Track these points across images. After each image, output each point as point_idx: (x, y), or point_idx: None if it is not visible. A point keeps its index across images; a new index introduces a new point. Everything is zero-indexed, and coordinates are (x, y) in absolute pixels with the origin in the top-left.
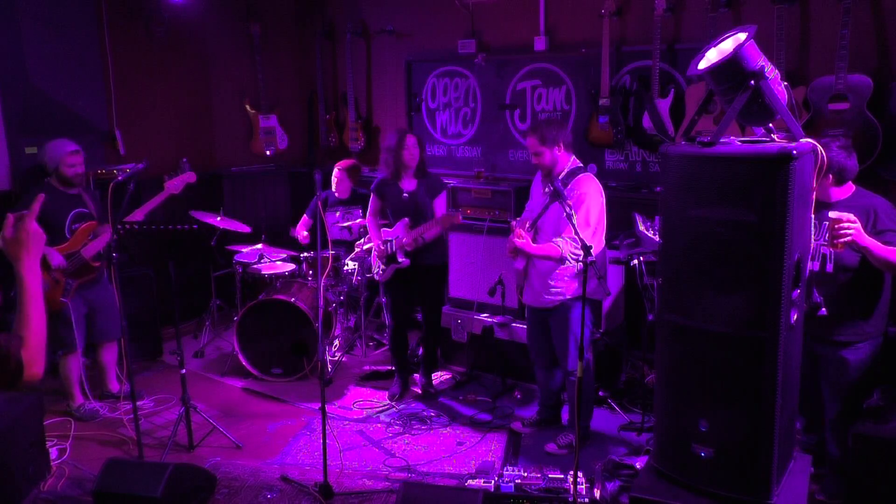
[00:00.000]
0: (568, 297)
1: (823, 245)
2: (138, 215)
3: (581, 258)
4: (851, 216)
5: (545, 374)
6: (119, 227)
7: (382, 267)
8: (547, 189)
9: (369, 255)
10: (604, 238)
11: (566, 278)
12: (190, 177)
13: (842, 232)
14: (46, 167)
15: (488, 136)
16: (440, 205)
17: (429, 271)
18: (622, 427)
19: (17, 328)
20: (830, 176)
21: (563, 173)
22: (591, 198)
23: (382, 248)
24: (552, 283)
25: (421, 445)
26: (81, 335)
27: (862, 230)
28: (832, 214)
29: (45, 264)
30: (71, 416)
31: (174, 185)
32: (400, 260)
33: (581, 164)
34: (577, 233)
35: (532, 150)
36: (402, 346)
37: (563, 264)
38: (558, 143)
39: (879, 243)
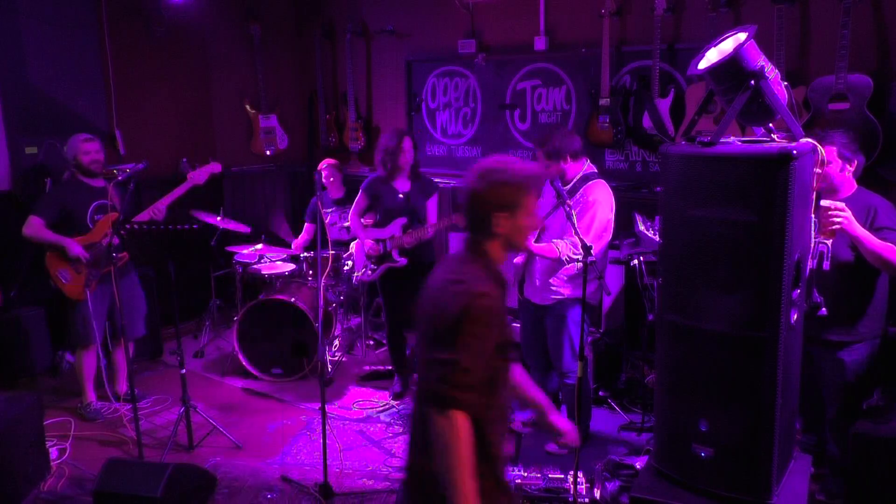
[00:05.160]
0: (566, 296)
1: (821, 243)
2: (161, 205)
3: (581, 258)
4: (841, 204)
5: (539, 375)
6: (120, 227)
7: (373, 266)
8: (555, 192)
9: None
10: (607, 243)
11: (565, 278)
12: (215, 167)
13: (832, 220)
14: (69, 162)
15: (488, 136)
16: (432, 206)
17: (421, 268)
18: (622, 427)
19: None
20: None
21: (575, 179)
22: (599, 205)
23: (376, 247)
24: (552, 281)
25: None
26: (101, 329)
27: (853, 220)
28: (823, 203)
29: (65, 254)
30: (74, 414)
31: (198, 175)
32: (396, 259)
33: (595, 170)
34: (576, 233)
35: (540, 161)
36: (401, 345)
37: (563, 265)
38: (564, 157)
39: (872, 235)
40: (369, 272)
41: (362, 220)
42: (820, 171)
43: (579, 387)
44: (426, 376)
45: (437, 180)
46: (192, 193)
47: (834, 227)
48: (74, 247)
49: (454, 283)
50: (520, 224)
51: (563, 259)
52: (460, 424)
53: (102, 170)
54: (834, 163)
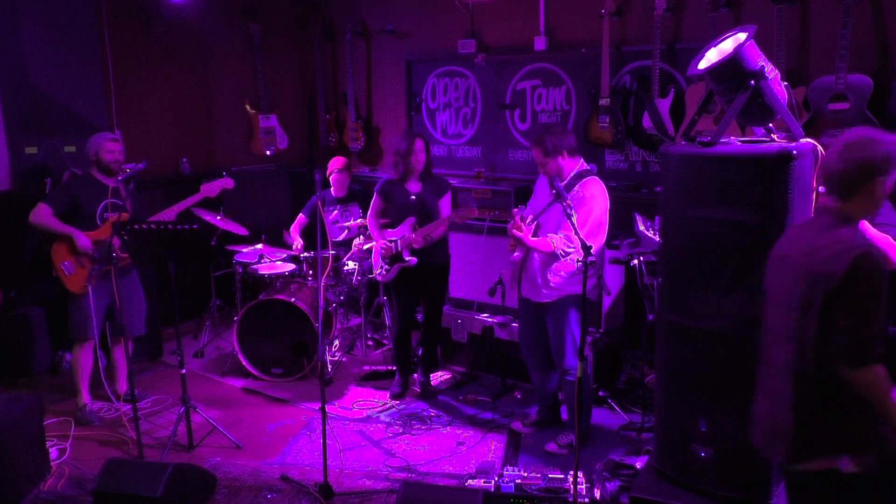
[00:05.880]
0: (566, 293)
1: None
2: (170, 214)
3: (580, 257)
4: None
5: (539, 374)
6: (120, 227)
7: (386, 267)
8: (552, 189)
9: (369, 255)
10: (604, 240)
11: (564, 274)
12: (228, 182)
13: None
14: (88, 157)
15: (488, 136)
16: (445, 205)
17: (433, 269)
18: (622, 427)
19: None
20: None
21: (570, 176)
22: (594, 200)
23: (388, 247)
24: (550, 277)
25: (421, 445)
26: (99, 326)
27: None
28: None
29: (72, 246)
30: (74, 415)
31: (210, 188)
32: (406, 259)
33: (588, 167)
34: (576, 232)
35: (537, 160)
36: (406, 346)
37: (557, 259)
38: (561, 152)
39: (867, 223)
40: (384, 272)
41: (380, 220)
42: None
43: (579, 386)
44: (812, 343)
45: None
46: (190, 191)
47: None
48: (82, 238)
49: (832, 246)
50: (886, 191)
51: (559, 253)
52: (881, 372)
53: (119, 170)
54: None
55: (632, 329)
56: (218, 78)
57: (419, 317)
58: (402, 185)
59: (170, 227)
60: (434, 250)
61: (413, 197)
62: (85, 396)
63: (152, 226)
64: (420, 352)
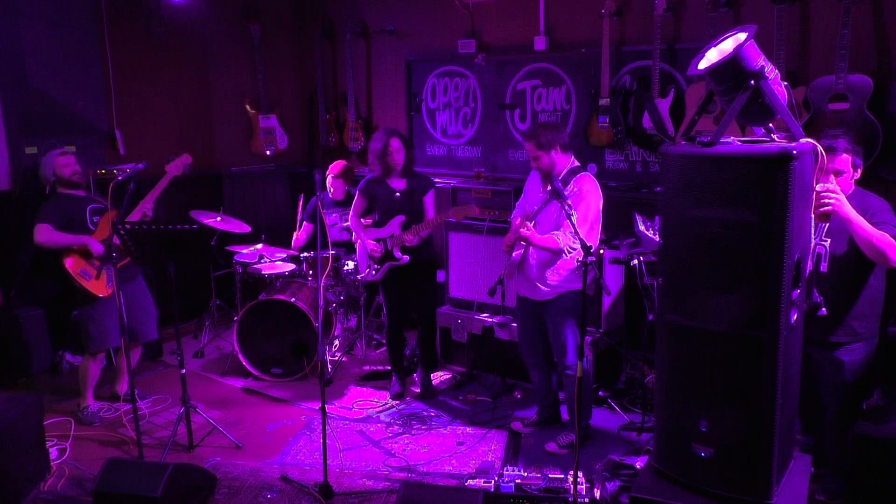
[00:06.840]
0: (563, 290)
1: (819, 244)
2: (148, 203)
3: (581, 256)
4: (835, 187)
5: (540, 374)
6: (120, 227)
7: (376, 267)
8: (547, 188)
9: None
10: (599, 236)
11: (564, 272)
12: (186, 158)
13: (824, 201)
14: (49, 181)
15: (488, 136)
16: (429, 202)
17: (422, 266)
18: (622, 427)
19: None
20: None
21: (563, 173)
22: (590, 196)
23: (377, 247)
24: (548, 275)
25: (421, 445)
26: (117, 333)
27: (845, 202)
28: (818, 187)
29: (87, 254)
30: (73, 415)
31: (175, 166)
32: (398, 256)
33: (579, 164)
34: (576, 231)
35: (530, 154)
36: (400, 345)
37: (561, 257)
38: (555, 147)
39: (864, 220)
40: (373, 272)
41: (362, 220)
42: (833, 185)
43: (579, 387)
44: None
45: (437, 180)
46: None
47: (826, 208)
48: (95, 244)
49: None
50: None
51: (565, 250)
52: None
53: (83, 179)
54: (848, 173)
55: (632, 329)
56: (218, 78)
57: (414, 315)
58: (385, 183)
59: (170, 227)
60: (421, 247)
61: (398, 194)
62: (89, 399)
63: (151, 226)
64: (419, 352)
